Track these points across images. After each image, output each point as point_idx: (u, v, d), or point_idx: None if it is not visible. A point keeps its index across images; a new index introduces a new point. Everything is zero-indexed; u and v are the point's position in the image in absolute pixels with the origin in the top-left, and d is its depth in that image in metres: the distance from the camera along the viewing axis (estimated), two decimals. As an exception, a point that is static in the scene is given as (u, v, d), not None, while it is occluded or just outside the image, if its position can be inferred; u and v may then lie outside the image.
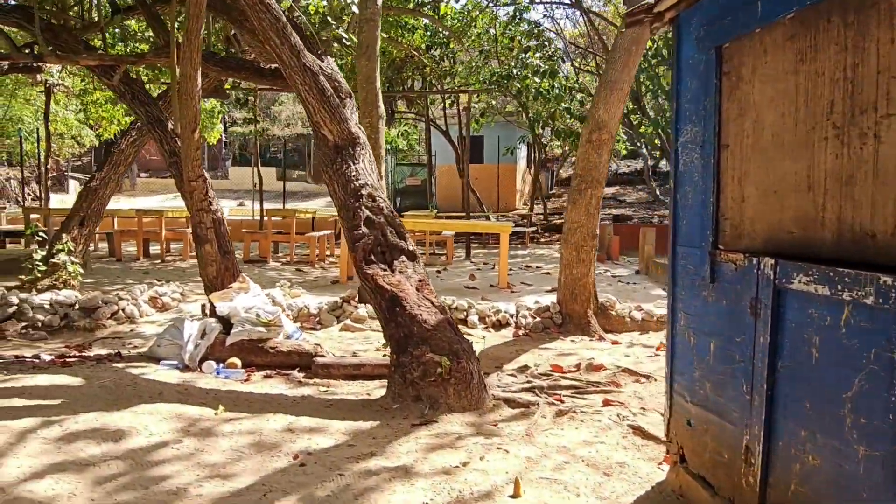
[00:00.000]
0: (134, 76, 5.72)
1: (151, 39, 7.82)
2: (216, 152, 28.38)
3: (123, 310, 5.93)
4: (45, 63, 5.86)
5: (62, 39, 5.69)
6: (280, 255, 11.79)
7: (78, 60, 5.57)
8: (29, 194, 22.94)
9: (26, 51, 5.82)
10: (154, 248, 11.79)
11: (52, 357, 4.55)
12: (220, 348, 4.72)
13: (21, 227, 11.70)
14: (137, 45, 8.40)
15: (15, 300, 5.65)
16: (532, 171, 24.86)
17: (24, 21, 5.80)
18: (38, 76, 12.63)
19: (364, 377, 4.60)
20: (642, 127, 18.97)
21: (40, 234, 6.37)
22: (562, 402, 4.01)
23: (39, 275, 6.25)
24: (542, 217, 18.67)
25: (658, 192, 19.23)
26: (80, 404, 3.59)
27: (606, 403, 4.00)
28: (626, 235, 12.84)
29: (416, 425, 3.57)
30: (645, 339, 6.04)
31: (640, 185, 25.92)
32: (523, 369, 4.83)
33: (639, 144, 20.18)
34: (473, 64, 17.68)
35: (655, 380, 4.55)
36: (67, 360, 4.53)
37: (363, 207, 4.41)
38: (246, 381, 4.38)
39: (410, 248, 4.40)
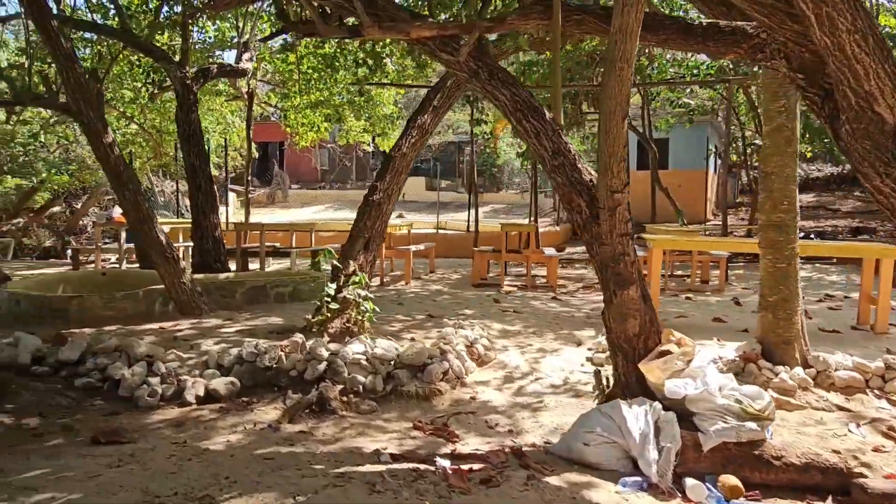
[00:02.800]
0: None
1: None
2: (364, 161, 27.71)
3: (452, 367, 4.39)
4: (365, 37, 4.47)
5: (380, 8, 4.26)
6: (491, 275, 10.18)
7: (408, 31, 4.11)
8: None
9: (335, 23, 4.46)
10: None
11: (449, 464, 3.00)
12: (693, 456, 3.00)
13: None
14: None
15: (324, 353, 4.24)
16: (718, 177, 22.19)
17: (328, -11, 4.44)
18: (238, 81, 11.85)
19: (945, 516, 2.73)
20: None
21: (333, 261, 4.98)
22: None
23: (329, 314, 4.87)
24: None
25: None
26: None
27: None
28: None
29: None
30: None
31: (839, 191, 22.65)
32: None
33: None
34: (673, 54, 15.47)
35: None
36: (474, 469, 2.96)
37: None
38: (791, 527, 2.62)
39: None
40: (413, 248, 9.70)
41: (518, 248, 9.56)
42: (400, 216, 22.16)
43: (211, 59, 12.30)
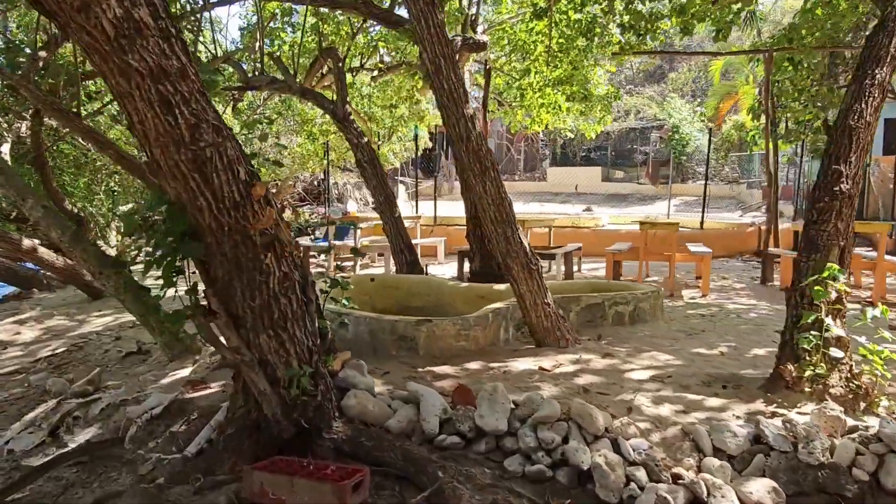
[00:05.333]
0: None
1: None
2: (534, 151, 26.08)
3: None
4: None
5: None
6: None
7: None
8: (359, 199, 22.22)
9: None
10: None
11: None
12: None
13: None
14: None
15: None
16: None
17: None
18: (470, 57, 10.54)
19: None
20: None
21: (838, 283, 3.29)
22: None
23: (827, 366, 3.20)
24: None
25: None
26: None
27: None
28: None
29: None
30: None
31: None
32: None
33: None
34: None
35: None
36: None
37: None
38: None
39: None
40: (699, 248, 7.86)
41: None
42: (588, 210, 20.31)
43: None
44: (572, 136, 16.78)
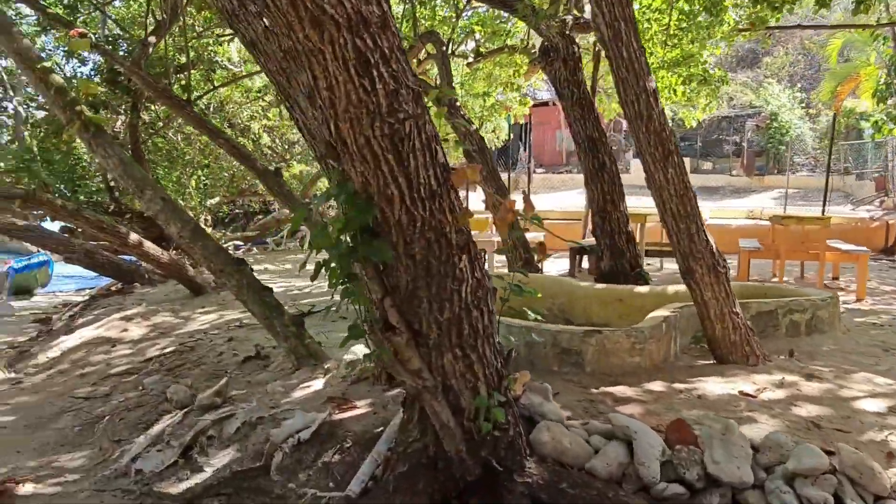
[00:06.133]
0: None
1: None
2: (617, 141, 24.97)
3: None
4: None
5: None
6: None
7: None
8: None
9: None
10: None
11: None
12: None
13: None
14: None
15: None
16: None
17: None
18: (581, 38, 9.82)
19: None
20: None
21: None
22: None
23: None
24: None
25: None
26: None
27: None
28: None
29: None
30: None
31: None
32: None
33: None
34: None
35: None
36: None
37: None
38: None
39: None
40: (851, 246, 6.94)
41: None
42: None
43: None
44: (672, 123, 15.77)
